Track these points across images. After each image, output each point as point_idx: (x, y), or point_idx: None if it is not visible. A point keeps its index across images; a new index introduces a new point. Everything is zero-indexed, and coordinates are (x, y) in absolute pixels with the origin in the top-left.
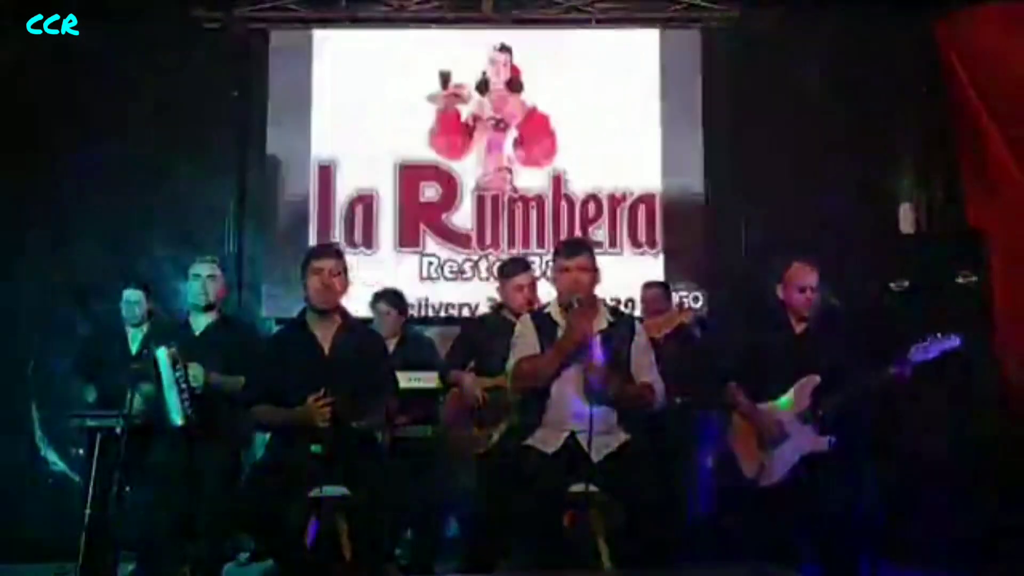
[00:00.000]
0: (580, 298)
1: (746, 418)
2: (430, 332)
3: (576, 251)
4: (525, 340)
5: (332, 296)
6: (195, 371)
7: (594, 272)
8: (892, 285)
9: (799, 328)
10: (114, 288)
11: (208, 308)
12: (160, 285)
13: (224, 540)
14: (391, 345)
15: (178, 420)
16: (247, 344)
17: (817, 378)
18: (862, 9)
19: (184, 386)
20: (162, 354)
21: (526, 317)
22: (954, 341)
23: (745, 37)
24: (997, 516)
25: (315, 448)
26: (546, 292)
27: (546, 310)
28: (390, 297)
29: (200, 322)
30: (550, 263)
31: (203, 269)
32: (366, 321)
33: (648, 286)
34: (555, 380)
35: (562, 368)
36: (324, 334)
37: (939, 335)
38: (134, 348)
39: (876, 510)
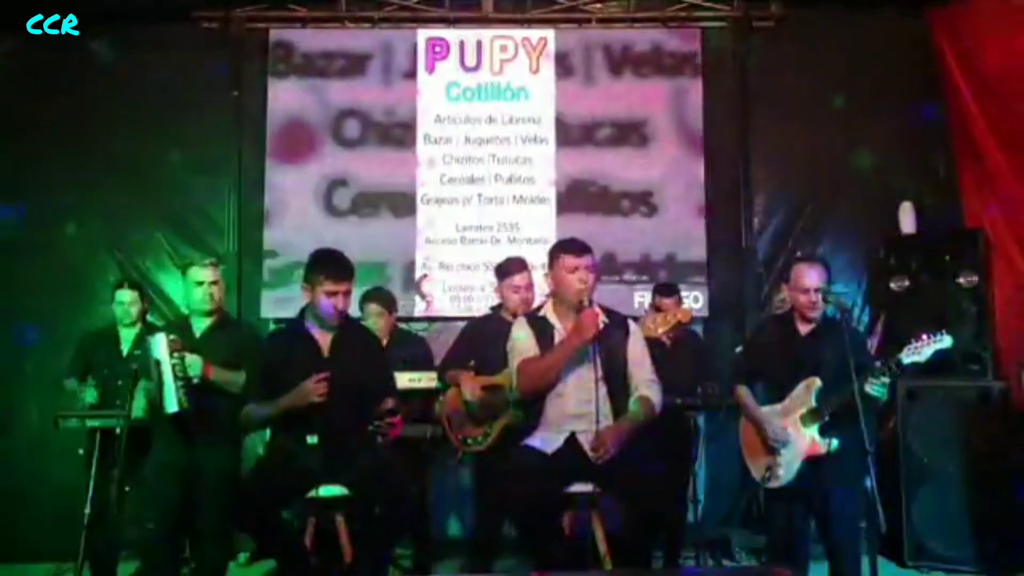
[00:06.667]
0: (590, 297)
1: (751, 420)
2: (425, 331)
3: (584, 250)
4: (522, 343)
5: (340, 312)
6: (192, 360)
7: (597, 272)
8: (892, 285)
9: (804, 330)
10: (110, 288)
11: (210, 313)
12: (159, 285)
13: (224, 540)
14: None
15: (173, 407)
16: (248, 345)
17: (819, 381)
18: (862, 8)
19: (180, 374)
20: (158, 340)
21: (521, 320)
22: (945, 341)
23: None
24: (999, 515)
25: (311, 440)
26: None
27: (540, 312)
28: (380, 297)
29: (201, 324)
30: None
31: (205, 275)
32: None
33: (660, 291)
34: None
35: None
36: (323, 335)
37: (929, 336)
38: (126, 349)
39: (876, 510)
